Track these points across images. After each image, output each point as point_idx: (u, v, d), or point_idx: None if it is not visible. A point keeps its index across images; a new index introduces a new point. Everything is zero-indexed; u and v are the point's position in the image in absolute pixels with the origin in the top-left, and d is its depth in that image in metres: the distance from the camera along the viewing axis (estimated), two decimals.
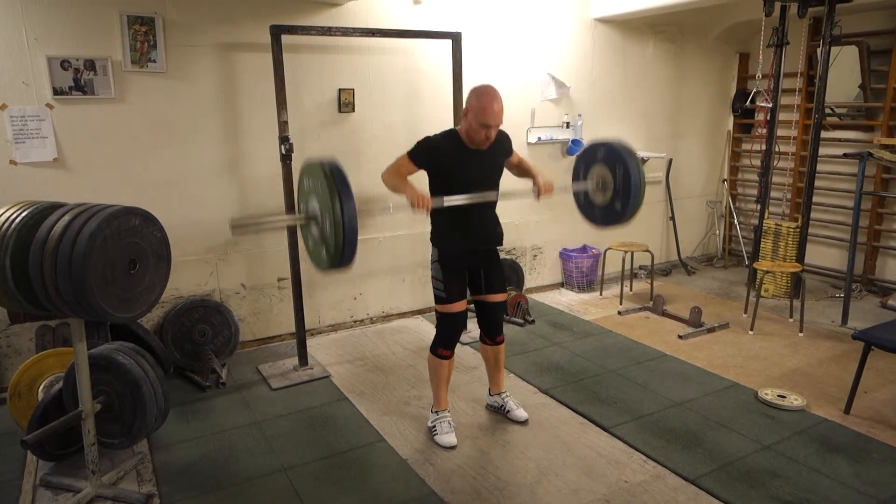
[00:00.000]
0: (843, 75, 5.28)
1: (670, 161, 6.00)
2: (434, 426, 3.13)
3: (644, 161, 5.55)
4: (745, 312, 4.84)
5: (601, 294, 5.41)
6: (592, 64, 5.36)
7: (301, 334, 3.90)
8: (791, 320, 4.68)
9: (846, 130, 5.48)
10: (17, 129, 3.42)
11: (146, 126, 3.74)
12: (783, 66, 4.80)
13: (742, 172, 6.38)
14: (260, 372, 3.91)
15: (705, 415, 3.33)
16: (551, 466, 2.88)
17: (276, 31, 3.51)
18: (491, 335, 3.20)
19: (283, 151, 3.60)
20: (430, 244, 3.06)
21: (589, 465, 2.89)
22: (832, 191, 5.53)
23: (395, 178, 2.85)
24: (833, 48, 4.70)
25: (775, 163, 5.22)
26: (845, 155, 4.96)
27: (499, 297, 3.15)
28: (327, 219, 2.33)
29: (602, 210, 3.11)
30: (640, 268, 5.82)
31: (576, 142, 5.28)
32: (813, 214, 5.18)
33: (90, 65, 3.52)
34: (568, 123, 5.28)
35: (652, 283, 5.33)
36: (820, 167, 5.07)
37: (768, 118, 4.98)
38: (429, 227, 3.08)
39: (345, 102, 4.29)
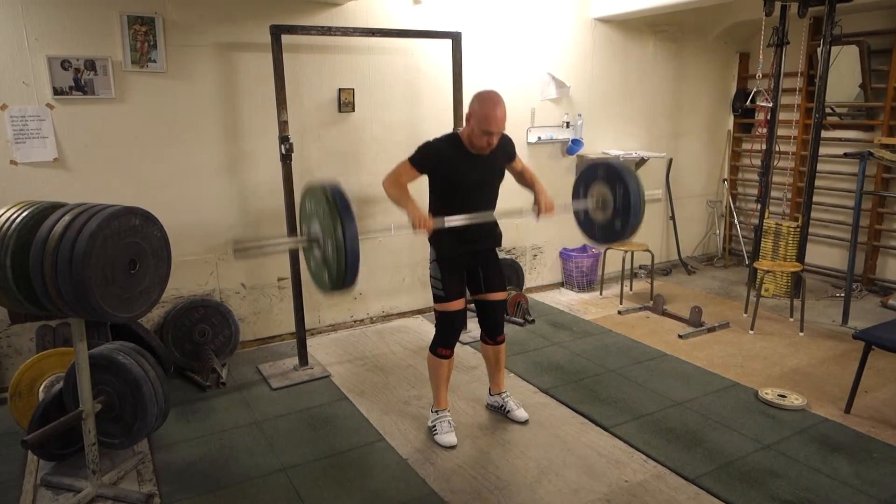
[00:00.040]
0: (844, 75, 5.28)
1: (670, 161, 6.00)
2: (434, 426, 3.13)
3: (640, 160, 5.56)
4: (746, 312, 4.84)
5: (601, 294, 5.41)
6: (592, 64, 5.35)
7: (301, 334, 3.90)
8: (791, 320, 4.68)
9: (846, 130, 5.48)
10: (17, 129, 3.42)
11: (146, 126, 3.74)
12: (783, 65, 4.79)
13: (742, 172, 6.38)
14: (260, 372, 3.91)
15: (705, 414, 3.33)
16: (551, 466, 2.88)
17: (276, 31, 3.51)
18: (492, 335, 3.20)
19: (283, 151, 3.60)
20: (429, 244, 3.06)
21: (589, 465, 2.89)
22: (832, 190, 5.52)
23: (397, 189, 2.83)
24: (833, 48, 4.70)
25: (775, 162, 5.22)
26: (846, 154, 4.96)
27: (499, 296, 3.15)
28: (329, 243, 2.35)
29: (602, 228, 3.10)
30: (640, 267, 5.82)
31: (576, 141, 5.28)
32: (813, 214, 5.18)
33: (90, 65, 3.52)
34: (568, 123, 5.28)
35: (652, 283, 5.32)
36: (820, 167, 5.06)
37: (768, 118, 4.98)
38: None
39: (345, 102, 4.29)
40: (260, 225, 4.17)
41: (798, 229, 5.01)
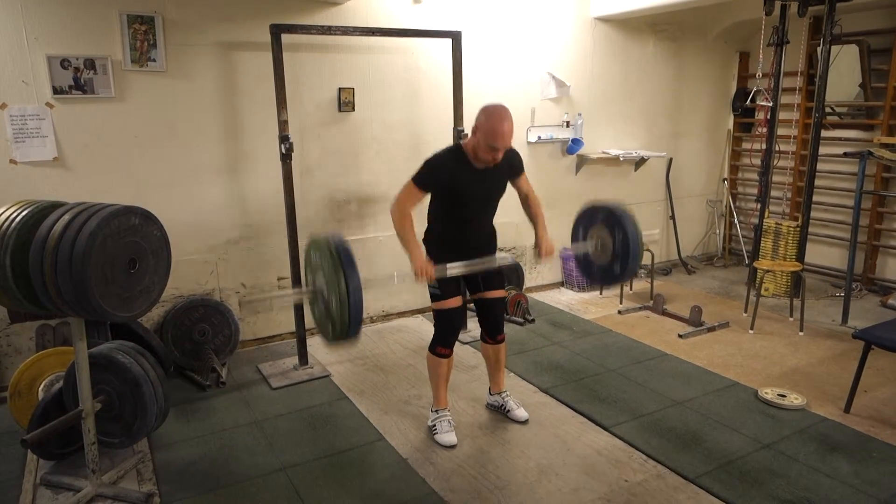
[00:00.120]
0: (844, 74, 5.28)
1: (670, 160, 6.00)
2: (434, 425, 3.13)
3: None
4: (746, 311, 4.84)
5: (601, 293, 5.41)
6: (592, 63, 5.35)
7: (301, 333, 3.90)
8: (791, 319, 4.68)
9: (846, 129, 5.48)
10: (16, 129, 3.42)
11: (146, 125, 3.74)
12: (783, 64, 4.79)
13: (742, 171, 6.38)
14: (260, 371, 3.91)
15: (705, 414, 3.33)
16: (551, 465, 2.88)
17: (276, 30, 3.51)
18: (492, 334, 3.20)
19: (283, 150, 3.60)
20: (423, 245, 3.03)
21: (589, 465, 2.89)
22: (832, 190, 5.52)
23: (403, 226, 2.78)
24: (833, 47, 4.70)
25: (775, 162, 5.22)
26: (845, 154, 4.96)
27: (498, 293, 3.14)
28: (333, 297, 2.38)
29: (601, 270, 3.07)
30: (640, 267, 5.81)
31: (576, 141, 5.28)
32: (813, 213, 5.18)
33: (90, 64, 3.52)
34: (568, 122, 5.28)
35: (652, 283, 5.32)
36: (820, 166, 5.06)
37: (768, 117, 4.98)
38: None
39: (345, 101, 4.29)
40: (260, 225, 4.17)
41: (798, 229, 5.01)
